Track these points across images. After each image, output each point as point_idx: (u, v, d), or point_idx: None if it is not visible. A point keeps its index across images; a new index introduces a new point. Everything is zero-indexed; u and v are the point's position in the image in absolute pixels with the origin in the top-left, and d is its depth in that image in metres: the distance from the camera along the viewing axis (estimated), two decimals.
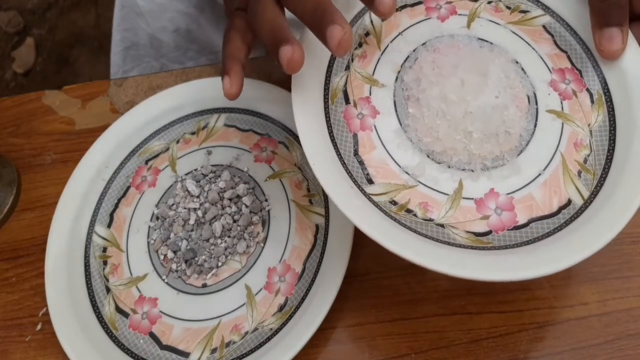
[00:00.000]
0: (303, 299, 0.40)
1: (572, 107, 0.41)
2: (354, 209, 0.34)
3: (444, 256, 0.34)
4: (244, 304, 0.41)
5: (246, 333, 0.40)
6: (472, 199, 0.37)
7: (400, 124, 0.40)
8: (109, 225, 0.46)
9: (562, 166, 0.38)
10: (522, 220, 0.37)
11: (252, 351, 0.39)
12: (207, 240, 0.43)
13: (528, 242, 0.36)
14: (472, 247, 0.35)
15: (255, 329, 0.40)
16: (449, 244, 0.35)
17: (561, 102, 0.41)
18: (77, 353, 0.39)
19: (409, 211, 0.37)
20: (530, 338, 0.41)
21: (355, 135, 0.39)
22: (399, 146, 0.39)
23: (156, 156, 0.49)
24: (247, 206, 0.45)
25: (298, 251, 0.43)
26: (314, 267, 0.41)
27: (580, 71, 0.42)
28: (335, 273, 0.40)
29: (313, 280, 0.41)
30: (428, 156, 0.39)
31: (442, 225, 0.36)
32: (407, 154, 0.39)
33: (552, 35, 0.43)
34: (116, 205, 0.47)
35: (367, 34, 0.42)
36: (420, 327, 0.42)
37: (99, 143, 0.49)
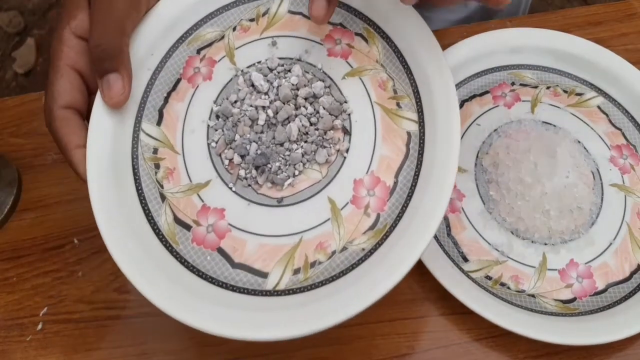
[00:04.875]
0: (399, 217, 0.35)
1: (632, 179, 0.47)
2: (457, 286, 0.40)
3: (540, 325, 0.39)
4: (328, 220, 0.35)
5: (333, 252, 0.34)
6: (556, 269, 0.43)
7: (484, 205, 0.46)
8: (159, 123, 0.39)
9: (629, 235, 0.44)
10: (600, 286, 0.42)
11: (343, 273, 0.34)
12: (281, 145, 0.37)
13: (609, 307, 0.41)
14: (562, 314, 0.41)
15: (344, 248, 0.34)
16: (542, 312, 0.41)
17: (622, 176, 0.46)
18: (136, 270, 0.33)
19: (502, 284, 0.42)
20: (530, 338, 0.40)
21: (446, 218, 0.45)
22: (485, 226, 0.45)
23: (209, 45, 0.41)
24: (324, 108, 0.38)
25: (388, 162, 0.36)
26: (408, 181, 0.36)
27: (634, 146, 0.48)
28: (440, 188, 0.34)
29: (410, 197, 0.35)
30: (512, 233, 0.44)
31: (533, 296, 0.42)
32: (493, 232, 0.45)
33: (607, 115, 0.49)
34: (166, 100, 0.40)
35: None
36: (420, 327, 0.42)
37: (141, 27, 0.41)
